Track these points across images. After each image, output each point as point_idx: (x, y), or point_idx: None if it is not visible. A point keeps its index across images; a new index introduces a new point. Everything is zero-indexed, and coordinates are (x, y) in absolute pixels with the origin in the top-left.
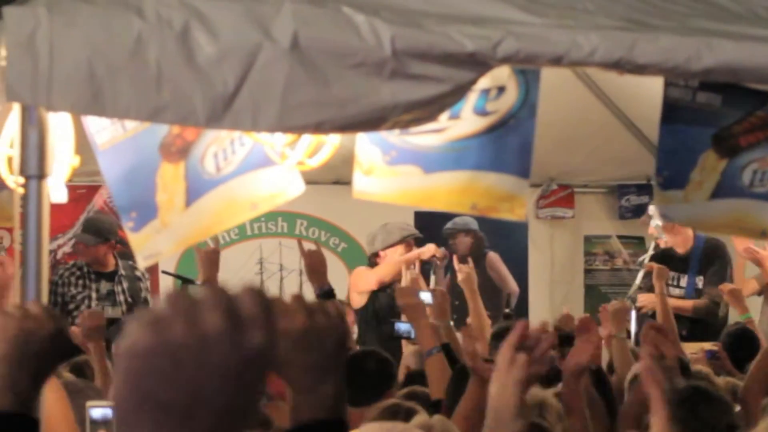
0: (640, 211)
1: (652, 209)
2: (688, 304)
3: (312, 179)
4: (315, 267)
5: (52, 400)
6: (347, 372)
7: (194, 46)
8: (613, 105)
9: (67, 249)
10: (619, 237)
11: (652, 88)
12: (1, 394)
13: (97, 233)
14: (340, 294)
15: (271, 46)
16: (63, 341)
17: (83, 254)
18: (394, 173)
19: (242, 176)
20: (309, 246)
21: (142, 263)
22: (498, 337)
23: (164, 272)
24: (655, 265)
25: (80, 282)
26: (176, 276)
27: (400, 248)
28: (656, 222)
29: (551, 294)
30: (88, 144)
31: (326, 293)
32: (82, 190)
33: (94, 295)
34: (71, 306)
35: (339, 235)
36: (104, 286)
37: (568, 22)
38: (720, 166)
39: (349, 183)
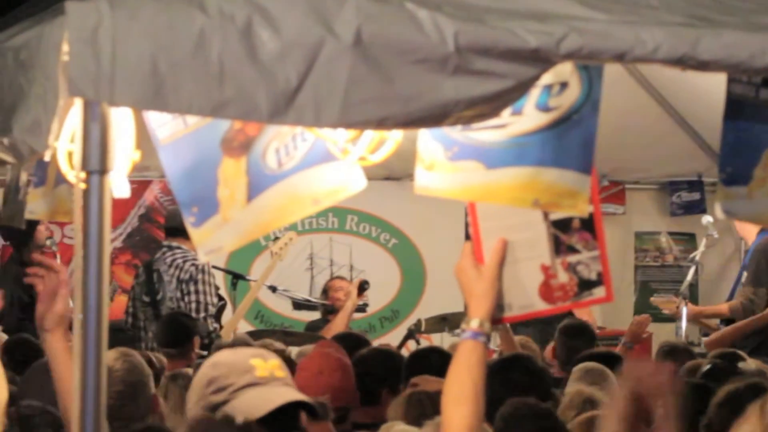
0: (691, 207)
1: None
2: (723, 308)
3: (364, 175)
4: None
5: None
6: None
7: (257, 42)
8: (665, 102)
9: (118, 244)
10: (670, 233)
11: (705, 85)
12: None
13: None
14: (385, 289)
15: (334, 41)
16: None
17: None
18: (456, 169)
19: (304, 172)
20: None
21: (203, 258)
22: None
23: (215, 267)
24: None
25: None
26: (226, 271)
27: None
28: (708, 218)
29: None
30: (143, 139)
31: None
32: (134, 185)
33: None
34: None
35: (390, 231)
36: None
37: (631, 18)
38: None
39: (401, 179)
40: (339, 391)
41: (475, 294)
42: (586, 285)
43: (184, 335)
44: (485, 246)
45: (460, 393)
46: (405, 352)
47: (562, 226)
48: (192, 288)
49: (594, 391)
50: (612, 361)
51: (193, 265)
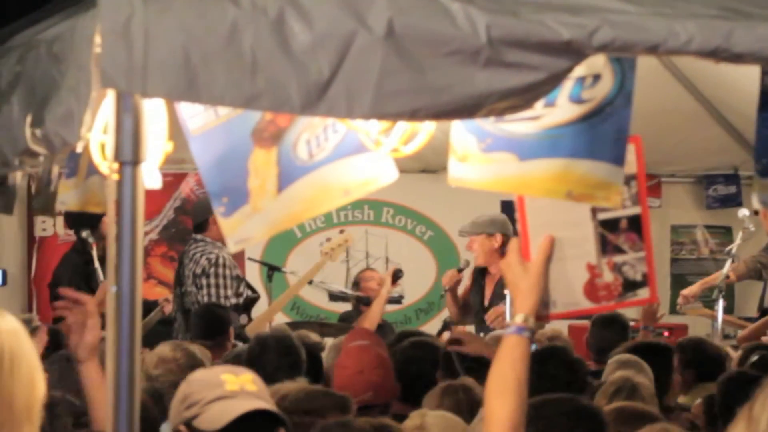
0: (727, 200)
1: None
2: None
3: (399, 167)
4: None
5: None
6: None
7: (289, 34)
8: (700, 95)
9: (154, 236)
10: (706, 227)
11: (741, 78)
12: None
13: None
14: (421, 281)
15: (366, 33)
16: None
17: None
18: (489, 160)
19: (335, 163)
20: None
21: (232, 248)
22: None
23: (250, 259)
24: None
25: None
26: (262, 263)
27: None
28: (744, 212)
29: None
30: (177, 131)
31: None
32: (169, 178)
33: None
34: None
35: (425, 224)
36: None
37: (664, 10)
38: None
39: (437, 171)
40: (380, 388)
41: (521, 290)
42: (630, 285)
43: (219, 327)
44: (533, 243)
45: (504, 387)
46: None
47: (609, 225)
48: (204, 282)
49: (634, 375)
50: (648, 351)
51: (206, 259)
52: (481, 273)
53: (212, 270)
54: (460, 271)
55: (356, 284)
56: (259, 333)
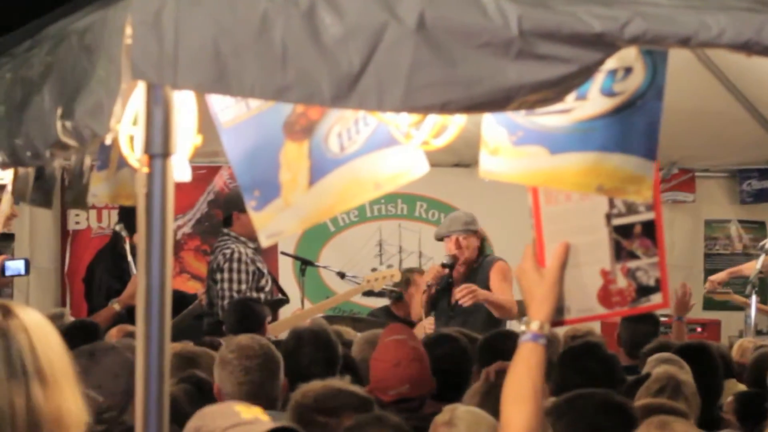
0: (761, 195)
1: None
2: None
3: (433, 161)
4: None
5: None
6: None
7: (320, 26)
8: (735, 89)
9: (187, 230)
10: (740, 222)
11: None
12: None
13: None
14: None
15: (397, 25)
16: None
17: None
18: (520, 153)
19: (366, 156)
20: None
21: (264, 242)
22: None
23: (283, 253)
24: None
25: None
26: (295, 257)
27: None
28: None
29: (671, 279)
30: (209, 124)
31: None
32: (203, 171)
33: None
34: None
35: None
36: None
37: (696, 3)
38: None
39: (470, 165)
40: (417, 382)
41: (536, 297)
42: (644, 291)
43: (254, 322)
44: (547, 249)
45: (520, 394)
46: None
47: (623, 231)
48: (218, 276)
49: (676, 371)
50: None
51: (222, 253)
52: (449, 272)
53: (226, 265)
54: (444, 267)
55: (407, 282)
56: (296, 327)
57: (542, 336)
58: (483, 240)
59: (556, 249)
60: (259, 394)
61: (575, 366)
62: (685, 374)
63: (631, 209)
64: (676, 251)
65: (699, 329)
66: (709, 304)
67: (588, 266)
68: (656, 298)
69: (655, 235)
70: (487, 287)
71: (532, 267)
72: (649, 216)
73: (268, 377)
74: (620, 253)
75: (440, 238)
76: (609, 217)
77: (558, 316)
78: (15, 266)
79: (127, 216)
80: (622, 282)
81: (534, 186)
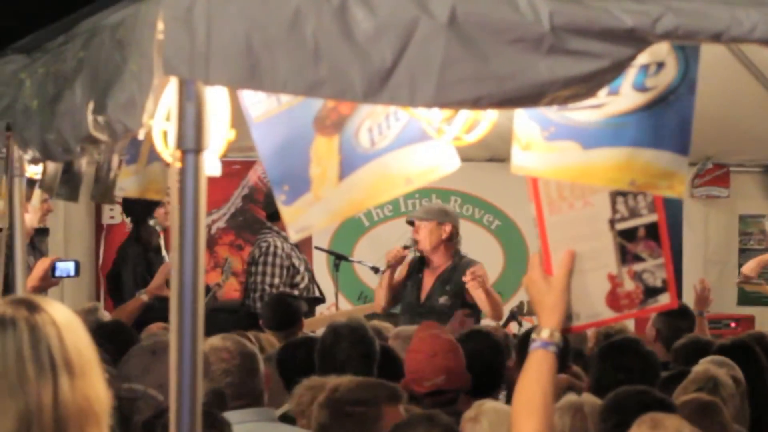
0: None
1: None
2: None
3: (467, 156)
4: None
5: None
6: None
7: (351, 21)
8: None
9: (221, 224)
10: None
11: None
12: None
13: None
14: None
15: (429, 21)
16: None
17: None
18: (553, 149)
19: (397, 151)
20: None
21: (294, 236)
22: None
23: (317, 248)
24: None
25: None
26: (329, 252)
27: None
28: None
29: (705, 274)
30: (243, 119)
31: None
32: (237, 166)
33: None
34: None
35: (493, 213)
36: None
37: None
38: None
39: (504, 160)
40: (453, 373)
41: (545, 305)
42: (651, 292)
43: (291, 317)
44: (554, 258)
45: (531, 402)
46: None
47: (627, 235)
48: (253, 269)
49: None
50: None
51: (258, 247)
52: (419, 266)
53: (261, 258)
54: (405, 248)
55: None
56: (334, 322)
57: (552, 343)
58: (454, 237)
59: (563, 257)
60: (242, 394)
61: (614, 362)
62: (724, 375)
63: (633, 213)
64: (711, 246)
65: (733, 324)
66: (744, 299)
67: (594, 272)
68: (664, 299)
69: (659, 236)
70: (463, 289)
71: (540, 276)
72: (652, 218)
73: (248, 375)
74: (626, 256)
75: (411, 222)
76: (612, 222)
77: (567, 323)
78: (65, 267)
79: (132, 207)
80: (629, 285)
81: (537, 195)
